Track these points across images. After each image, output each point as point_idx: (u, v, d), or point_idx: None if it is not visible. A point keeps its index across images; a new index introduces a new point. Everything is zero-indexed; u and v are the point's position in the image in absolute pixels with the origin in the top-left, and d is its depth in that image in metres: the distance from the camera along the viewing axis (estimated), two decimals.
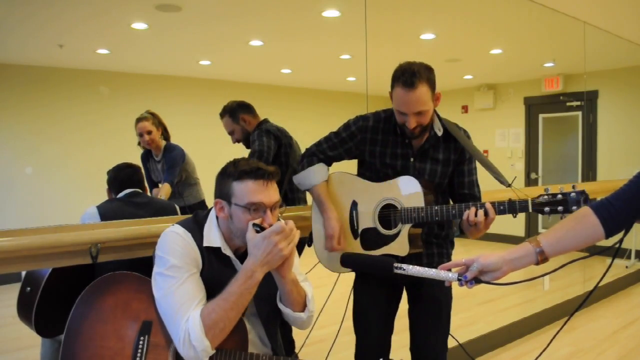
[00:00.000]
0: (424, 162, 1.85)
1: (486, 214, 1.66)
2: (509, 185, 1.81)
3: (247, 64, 5.34)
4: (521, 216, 1.83)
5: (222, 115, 2.90)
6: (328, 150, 1.93)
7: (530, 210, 1.63)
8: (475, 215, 1.66)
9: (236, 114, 2.85)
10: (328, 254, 1.92)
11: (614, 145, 5.96)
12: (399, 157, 1.86)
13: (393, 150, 1.87)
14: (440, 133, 1.84)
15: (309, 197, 2.92)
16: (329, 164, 1.96)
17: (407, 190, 1.79)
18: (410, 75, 1.66)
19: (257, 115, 2.90)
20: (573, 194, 1.57)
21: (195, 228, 1.49)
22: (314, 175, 1.91)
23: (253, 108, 2.90)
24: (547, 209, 1.61)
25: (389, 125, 1.87)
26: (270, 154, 2.67)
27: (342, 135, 1.92)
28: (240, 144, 2.94)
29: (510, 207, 1.66)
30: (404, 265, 1.33)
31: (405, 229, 1.79)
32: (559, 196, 1.59)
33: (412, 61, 1.74)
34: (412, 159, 1.85)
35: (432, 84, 1.72)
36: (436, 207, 1.75)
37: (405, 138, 1.83)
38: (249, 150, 2.79)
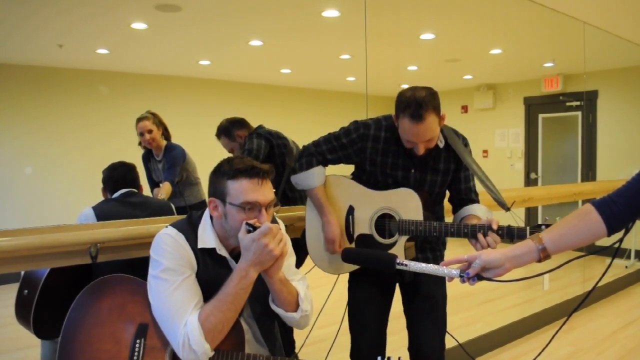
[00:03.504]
0: (424, 173, 1.86)
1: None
2: (508, 210, 1.82)
3: (247, 64, 5.34)
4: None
5: (218, 136, 2.97)
6: (327, 153, 1.91)
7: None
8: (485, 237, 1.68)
9: (231, 132, 2.90)
10: (323, 256, 1.92)
11: (613, 145, 5.95)
12: (400, 168, 1.86)
13: (394, 161, 1.86)
14: (442, 145, 1.84)
15: None
16: (325, 166, 1.95)
17: (406, 203, 1.80)
18: (417, 107, 1.65)
19: (250, 127, 2.93)
20: None
21: (189, 229, 1.47)
22: (313, 177, 1.90)
23: (245, 121, 2.93)
24: None
25: (390, 134, 1.85)
26: (261, 152, 2.71)
27: (342, 140, 1.89)
28: None
29: (509, 233, 1.68)
30: (406, 261, 1.34)
31: (402, 240, 1.81)
32: None
33: (415, 87, 1.71)
34: (412, 170, 1.85)
35: (438, 111, 1.71)
36: (435, 223, 1.76)
37: (407, 150, 1.83)
38: None
